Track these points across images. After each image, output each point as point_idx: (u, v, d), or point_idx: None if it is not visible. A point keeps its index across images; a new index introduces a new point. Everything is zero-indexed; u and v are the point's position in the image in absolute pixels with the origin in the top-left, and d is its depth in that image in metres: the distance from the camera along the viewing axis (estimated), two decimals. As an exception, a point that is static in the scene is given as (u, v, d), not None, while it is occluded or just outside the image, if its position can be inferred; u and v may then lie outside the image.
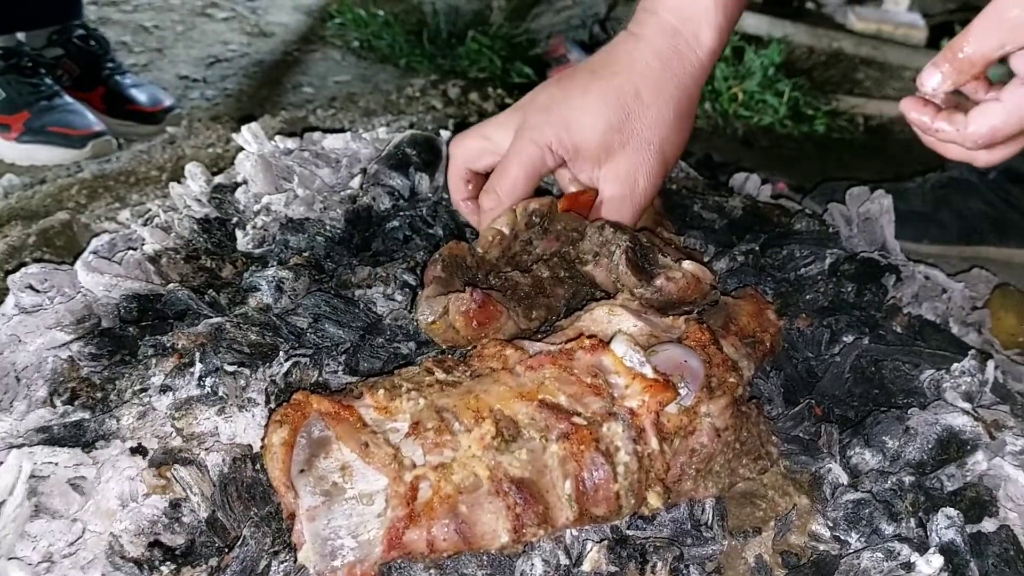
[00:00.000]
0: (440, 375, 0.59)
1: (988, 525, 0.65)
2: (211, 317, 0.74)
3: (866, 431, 0.70)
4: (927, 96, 0.62)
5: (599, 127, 0.75)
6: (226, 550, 0.58)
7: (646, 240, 0.76)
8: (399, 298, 0.78)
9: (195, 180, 0.95)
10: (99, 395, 0.69)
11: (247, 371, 0.68)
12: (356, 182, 0.96)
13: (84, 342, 0.72)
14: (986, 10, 0.58)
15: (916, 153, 0.87)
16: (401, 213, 0.90)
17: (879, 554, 0.60)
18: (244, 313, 0.74)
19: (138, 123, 1.50)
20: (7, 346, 0.72)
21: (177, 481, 0.60)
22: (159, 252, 0.82)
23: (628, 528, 0.61)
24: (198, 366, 0.68)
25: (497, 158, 0.78)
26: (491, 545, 0.54)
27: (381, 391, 0.57)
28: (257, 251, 0.85)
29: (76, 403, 0.68)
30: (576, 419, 0.56)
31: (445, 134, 1.05)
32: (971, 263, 1.18)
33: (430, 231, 0.88)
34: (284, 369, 0.69)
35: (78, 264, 0.79)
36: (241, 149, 0.98)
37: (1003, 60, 0.60)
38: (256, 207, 0.90)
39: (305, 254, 0.83)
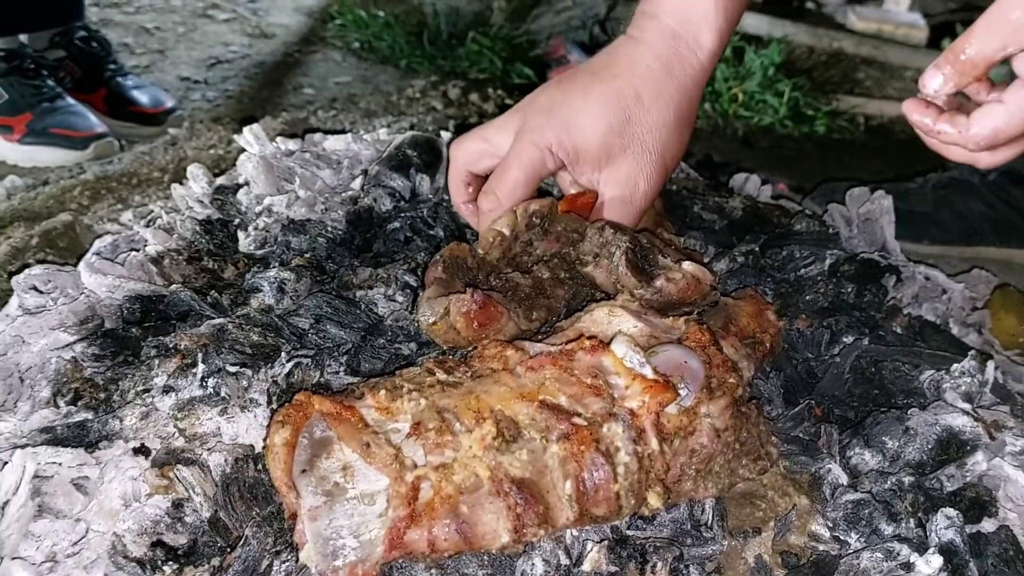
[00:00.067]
0: (441, 376, 0.60)
1: (987, 525, 0.65)
2: (213, 318, 0.74)
3: (866, 431, 0.71)
4: (929, 98, 0.62)
5: (599, 129, 0.75)
6: (228, 550, 0.58)
7: (646, 241, 0.77)
8: (400, 299, 0.78)
9: (197, 181, 0.95)
10: (102, 396, 0.69)
11: (249, 372, 0.68)
12: (357, 183, 0.96)
13: (87, 343, 0.72)
14: (988, 12, 0.58)
15: (917, 153, 0.87)
16: (402, 214, 0.90)
17: (879, 554, 0.60)
18: (246, 314, 0.74)
19: (140, 125, 1.50)
20: (11, 347, 0.72)
21: (180, 481, 0.60)
22: (161, 253, 0.83)
23: (628, 528, 0.61)
24: (200, 367, 0.68)
25: (497, 160, 0.78)
26: (492, 545, 0.54)
27: (382, 392, 0.57)
28: (259, 252, 0.85)
29: (79, 404, 0.68)
30: (576, 420, 0.56)
31: (446, 135, 1.05)
32: (971, 264, 1.18)
33: (431, 232, 0.88)
34: (286, 370, 0.69)
35: (81, 265, 0.79)
36: (242, 150, 0.99)
37: (1005, 61, 0.60)
38: (258, 208, 0.90)
39: (307, 255, 0.83)
